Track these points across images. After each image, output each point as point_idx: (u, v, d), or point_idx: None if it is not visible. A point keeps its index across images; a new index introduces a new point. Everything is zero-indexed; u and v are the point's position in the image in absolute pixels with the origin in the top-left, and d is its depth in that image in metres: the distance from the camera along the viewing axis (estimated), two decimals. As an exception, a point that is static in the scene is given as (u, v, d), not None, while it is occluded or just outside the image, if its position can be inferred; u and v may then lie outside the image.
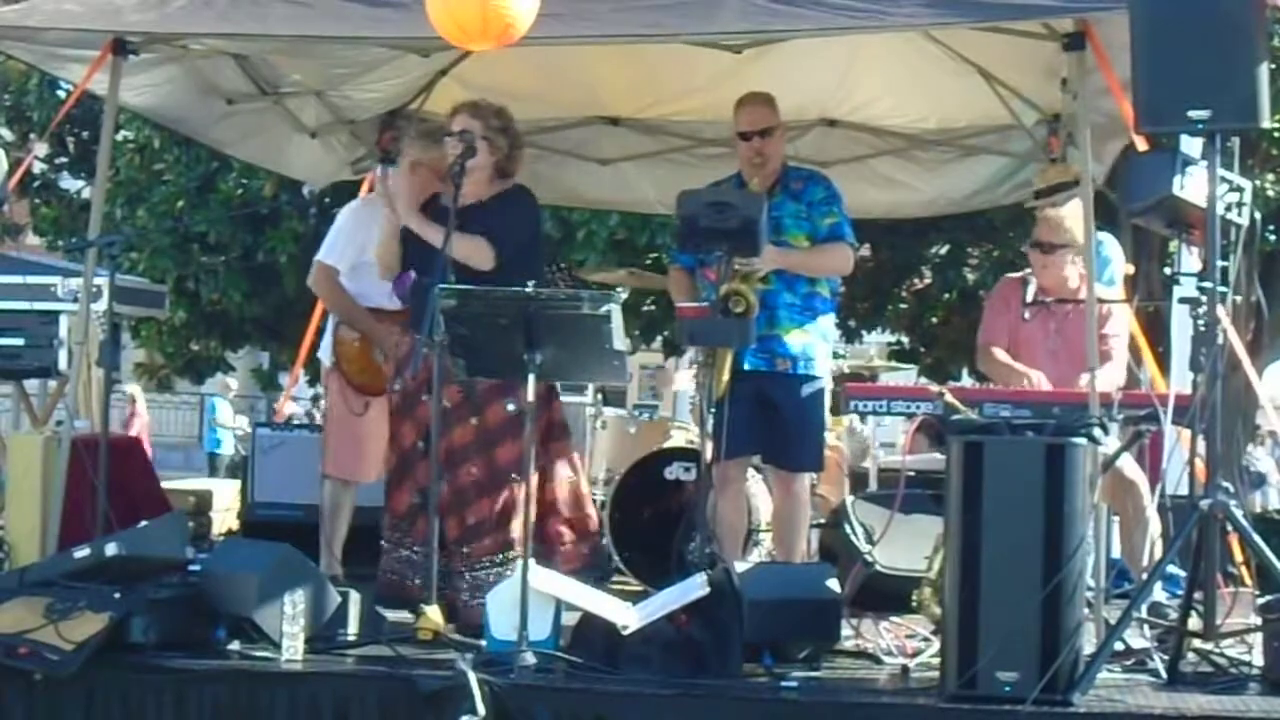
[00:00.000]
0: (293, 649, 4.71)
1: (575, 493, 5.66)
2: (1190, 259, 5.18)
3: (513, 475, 5.34)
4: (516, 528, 5.30)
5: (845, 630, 5.10)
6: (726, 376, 5.45)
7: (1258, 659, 4.72)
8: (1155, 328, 7.18)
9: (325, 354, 6.19)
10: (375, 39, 5.92)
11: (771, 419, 5.74)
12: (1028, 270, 6.10)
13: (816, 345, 5.82)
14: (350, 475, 6.04)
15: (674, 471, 6.73)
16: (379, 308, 6.02)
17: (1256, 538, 4.73)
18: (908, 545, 5.37)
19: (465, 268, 5.39)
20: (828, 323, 5.95)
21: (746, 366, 5.61)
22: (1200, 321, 4.84)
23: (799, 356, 5.76)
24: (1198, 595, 4.77)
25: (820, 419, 5.93)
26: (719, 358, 5.43)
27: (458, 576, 5.39)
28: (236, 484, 7.90)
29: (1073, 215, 5.87)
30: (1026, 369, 5.82)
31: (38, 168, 14.45)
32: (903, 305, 13.92)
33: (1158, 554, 5.55)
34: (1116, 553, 6.17)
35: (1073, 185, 6.25)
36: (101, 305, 6.24)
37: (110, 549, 4.98)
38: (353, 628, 5.04)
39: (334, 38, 5.74)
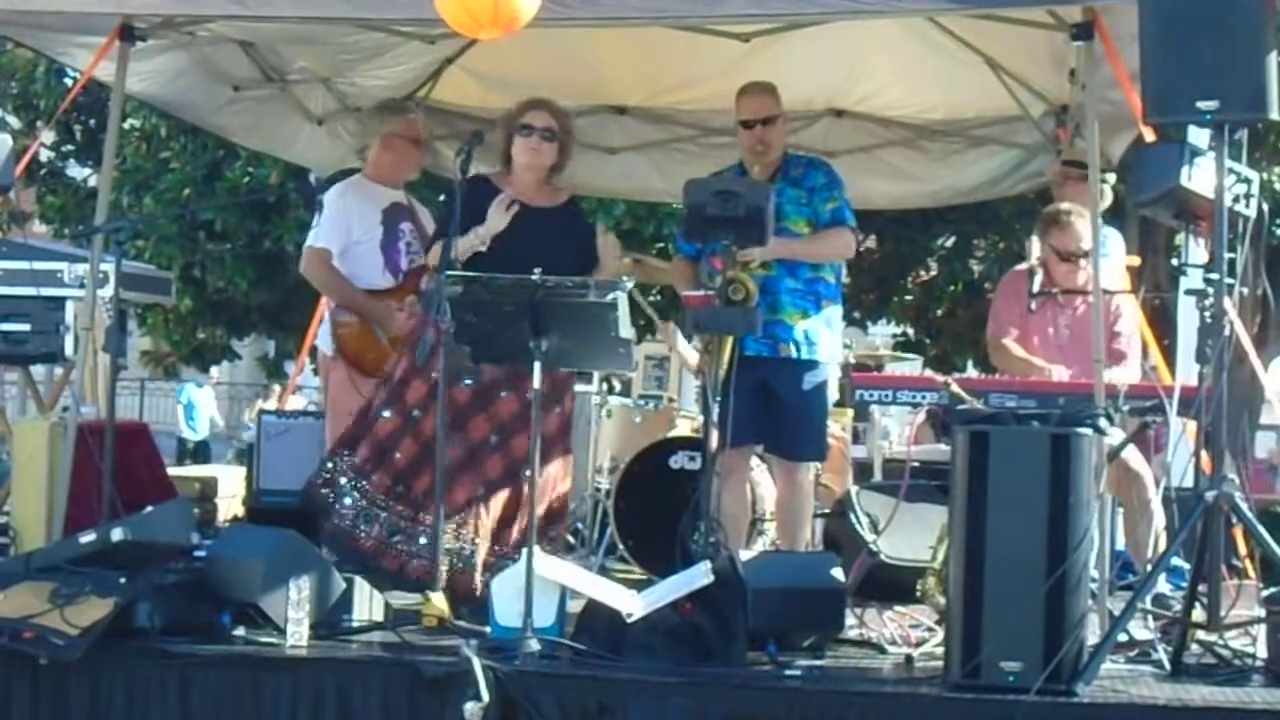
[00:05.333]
0: (297, 634, 4.72)
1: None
2: (1197, 250, 5.17)
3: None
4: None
5: (849, 619, 5.11)
6: (726, 363, 5.44)
7: (1261, 651, 4.72)
8: (1161, 319, 7.18)
9: (324, 343, 6.17)
10: (382, 20, 5.91)
11: (773, 408, 5.74)
12: (1033, 261, 6.09)
13: (820, 331, 5.81)
14: None
15: (679, 460, 6.72)
16: (373, 288, 6.02)
17: (1261, 529, 4.73)
18: (912, 535, 5.37)
19: None
20: (832, 310, 5.91)
21: (749, 352, 5.60)
22: (1206, 313, 4.84)
23: (801, 342, 5.75)
24: (1202, 587, 4.77)
25: (823, 408, 5.92)
26: (721, 345, 5.43)
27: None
28: (242, 470, 7.91)
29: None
30: (1045, 362, 5.82)
31: (44, 155, 14.47)
32: (908, 297, 13.93)
33: (1162, 546, 5.55)
34: (1121, 544, 6.17)
35: None
36: (108, 291, 6.24)
37: (116, 534, 4.98)
38: (357, 614, 5.04)
39: (341, 19, 5.72)
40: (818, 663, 4.72)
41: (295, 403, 11.55)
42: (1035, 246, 6.05)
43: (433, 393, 5.36)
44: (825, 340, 5.83)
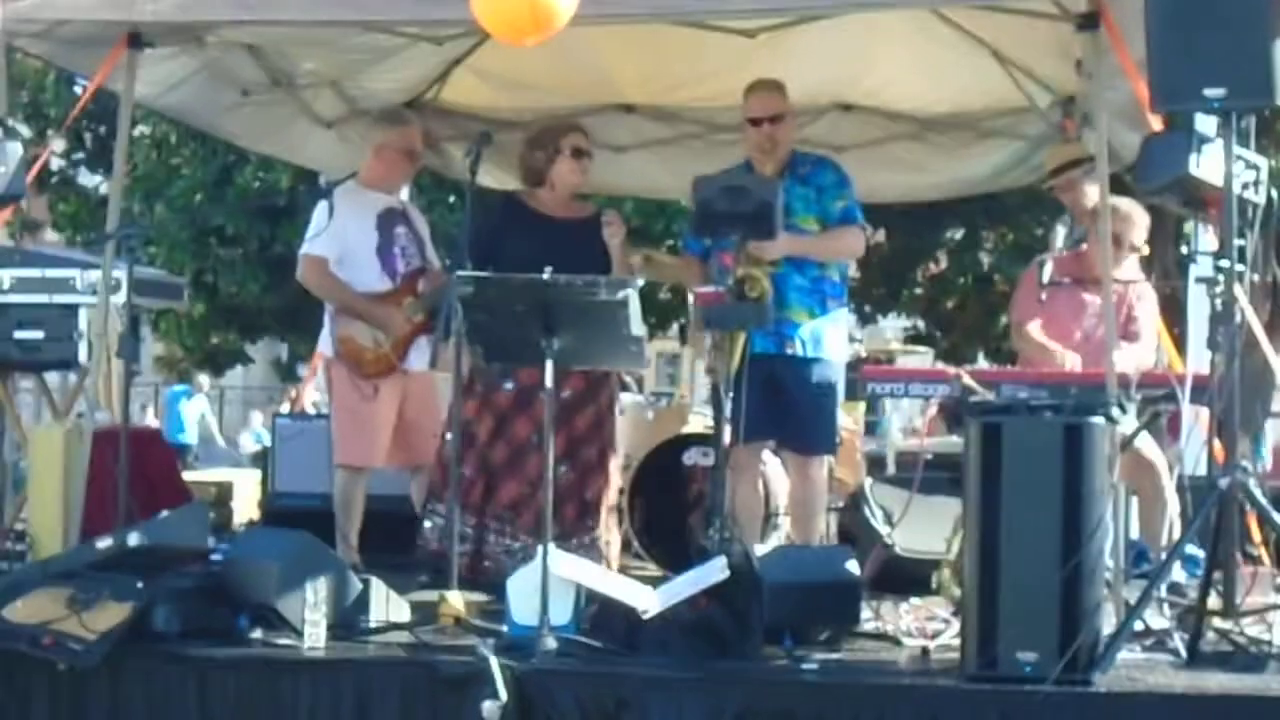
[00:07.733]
0: (315, 636, 4.73)
1: None
2: (1206, 238, 5.18)
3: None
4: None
5: (865, 612, 5.11)
6: (738, 360, 5.45)
7: (1278, 638, 4.72)
8: (1171, 308, 7.17)
9: (325, 346, 6.22)
10: (388, 22, 5.92)
11: (783, 403, 5.75)
12: (1046, 254, 6.12)
13: (825, 329, 5.83)
14: (362, 461, 6.06)
15: (692, 457, 6.73)
16: (371, 291, 6.05)
17: (1276, 516, 4.73)
18: (926, 527, 5.38)
19: None
20: (838, 307, 5.94)
21: (756, 349, 5.62)
22: (1217, 300, 4.84)
23: (807, 339, 5.77)
24: (1217, 574, 4.77)
25: (832, 401, 5.92)
26: (732, 341, 5.44)
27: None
28: (257, 474, 7.95)
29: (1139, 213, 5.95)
30: (1063, 349, 5.85)
31: (56, 164, 14.53)
32: (918, 290, 13.94)
33: (1177, 534, 5.55)
34: (1136, 533, 6.18)
35: (1085, 162, 6.26)
36: (121, 297, 6.27)
37: (132, 539, 4.99)
38: (374, 614, 5.06)
39: (349, 22, 5.74)
40: (834, 656, 4.73)
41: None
42: (1059, 237, 6.08)
43: (480, 410, 5.87)
44: (831, 337, 5.85)
